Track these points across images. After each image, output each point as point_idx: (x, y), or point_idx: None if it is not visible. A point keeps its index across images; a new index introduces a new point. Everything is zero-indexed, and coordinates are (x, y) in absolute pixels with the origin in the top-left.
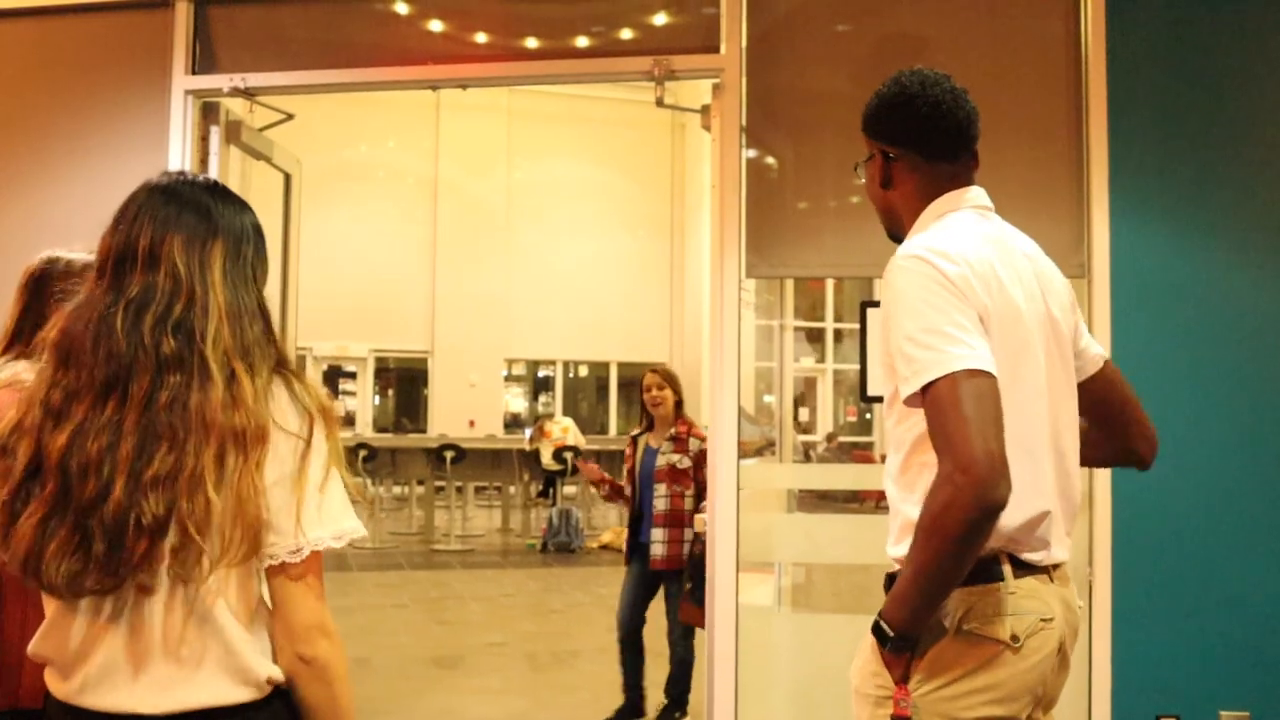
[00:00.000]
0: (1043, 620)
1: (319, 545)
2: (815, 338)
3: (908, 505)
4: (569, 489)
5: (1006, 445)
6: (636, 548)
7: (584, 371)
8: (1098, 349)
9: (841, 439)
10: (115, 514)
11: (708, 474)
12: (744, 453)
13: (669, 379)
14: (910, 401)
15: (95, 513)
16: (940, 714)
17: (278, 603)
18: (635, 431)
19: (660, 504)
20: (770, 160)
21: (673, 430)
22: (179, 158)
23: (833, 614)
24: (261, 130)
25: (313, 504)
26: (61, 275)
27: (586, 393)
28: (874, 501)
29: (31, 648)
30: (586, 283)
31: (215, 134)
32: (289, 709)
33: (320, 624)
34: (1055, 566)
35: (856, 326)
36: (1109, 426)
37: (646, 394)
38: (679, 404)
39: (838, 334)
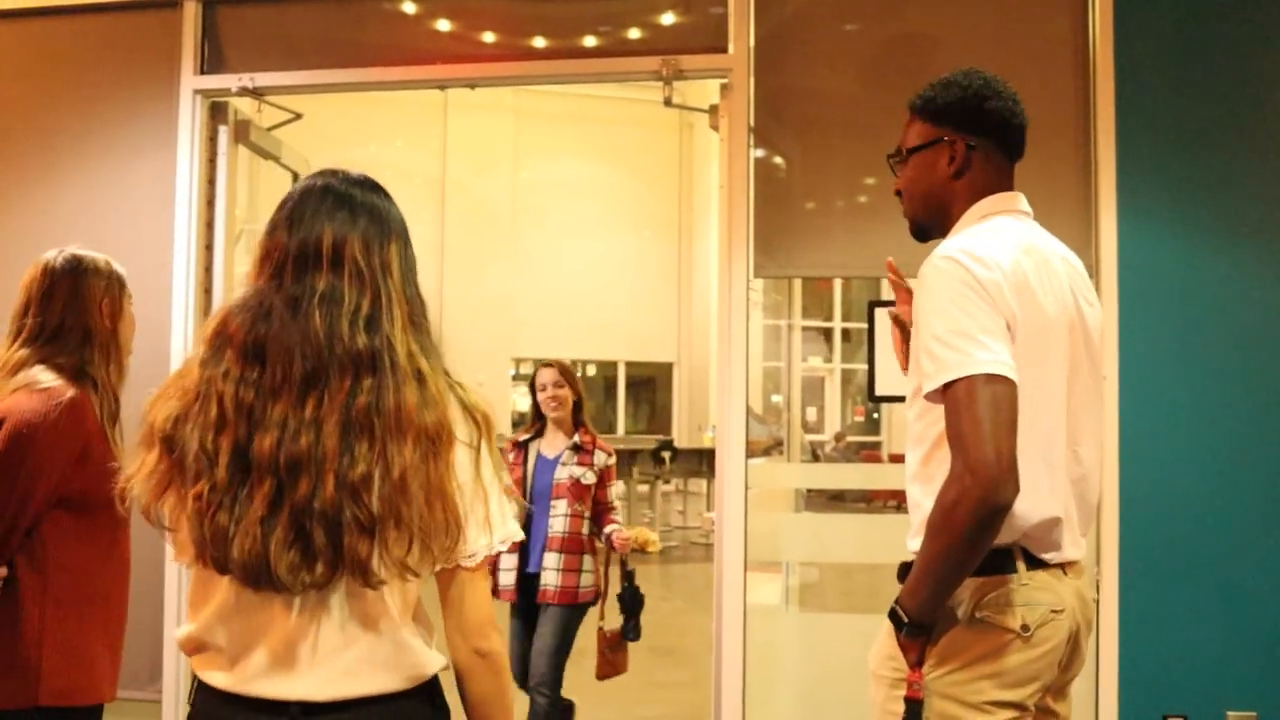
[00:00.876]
0: (1054, 611)
1: (491, 550)
2: (823, 337)
3: (927, 499)
4: None
5: (1023, 450)
6: (524, 581)
7: (591, 371)
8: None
9: (850, 438)
10: (327, 513)
11: (717, 473)
12: (752, 452)
13: (568, 376)
14: (931, 398)
15: (309, 512)
16: (951, 697)
17: (455, 600)
18: (521, 436)
19: (558, 524)
20: (778, 160)
21: (575, 439)
22: (187, 157)
23: (841, 614)
24: (270, 130)
25: (491, 509)
26: (96, 272)
27: (594, 392)
28: (882, 501)
29: (195, 635)
30: (594, 282)
31: (224, 133)
32: (430, 701)
33: (492, 619)
34: (1070, 563)
35: (865, 326)
36: None
37: (541, 392)
38: (578, 406)
39: (845, 333)
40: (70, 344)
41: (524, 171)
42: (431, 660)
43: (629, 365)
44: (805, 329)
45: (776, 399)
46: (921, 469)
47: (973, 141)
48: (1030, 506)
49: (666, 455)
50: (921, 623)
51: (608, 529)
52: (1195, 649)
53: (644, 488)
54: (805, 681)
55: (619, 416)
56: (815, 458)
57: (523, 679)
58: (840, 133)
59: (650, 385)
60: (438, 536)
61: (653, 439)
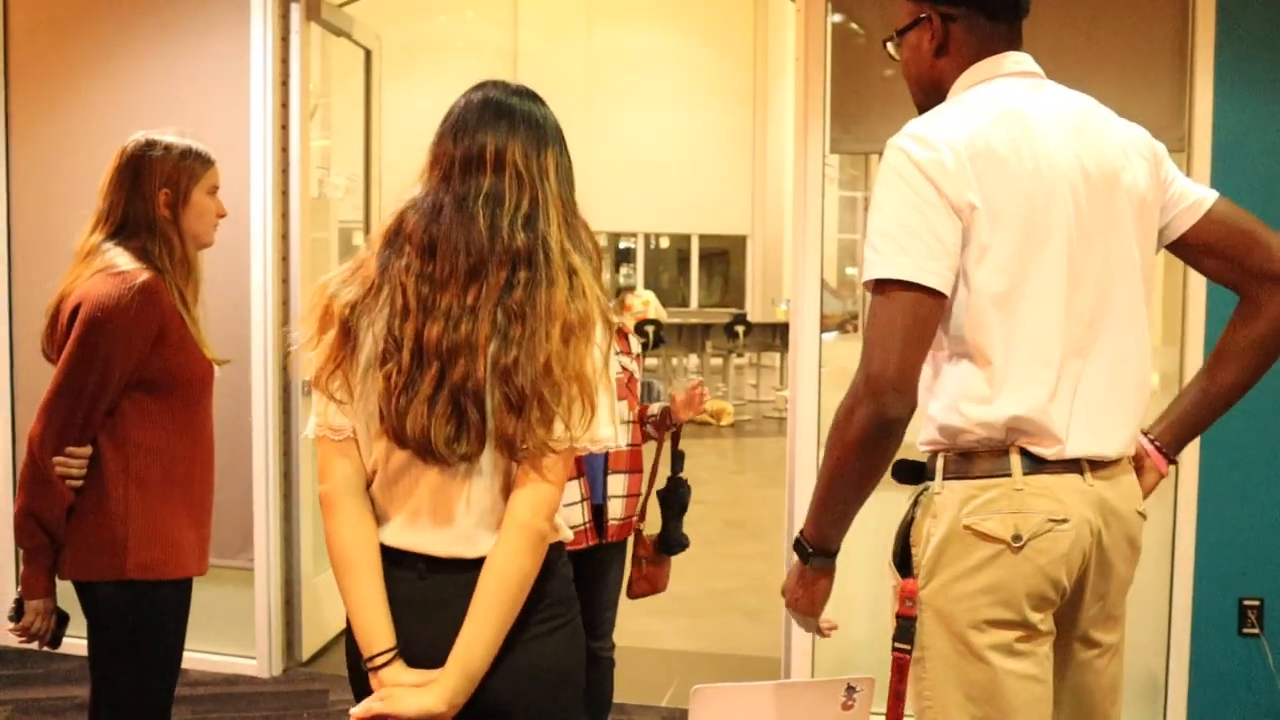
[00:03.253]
0: (1052, 520)
1: (614, 444)
2: None
3: (927, 397)
4: (651, 361)
5: (1010, 340)
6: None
7: (665, 243)
8: (1198, 194)
9: None
10: (478, 391)
11: (790, 350)
12: (826, 326)
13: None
14: (866, 290)
15: (464, 391)
16: (942, 614)
17: (535, 479)
18: None
19: (621, 431)
20: (856, 27)
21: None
22: (260, 36)
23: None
24: (340, 6)
25: (610, 406)
26: (161, 159)
27: (668, 265)
28: None
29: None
30: (668, 153)
31: (295, 11)
32: (549, 570)
33: (554, 508)
34: (1095, 464)
35: None
36: (1238, 269)
37: None
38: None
39: None
40: (136, 231)
41: (597, 41)
42: (556, 530)
43: (702, 238)
44: None
45: (851, 272)
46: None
47: (949, 11)
48: (1014, 401)
49: (740, 329)
50: (825, 550)
51: (652, 408)
52: (1273, 533)
53: (717, 361)
54: (874, 559)
55: (692, 290)
56: None
57: None
58: None
59: (724, 258)
60: (575, 417)
61: (726, 312)
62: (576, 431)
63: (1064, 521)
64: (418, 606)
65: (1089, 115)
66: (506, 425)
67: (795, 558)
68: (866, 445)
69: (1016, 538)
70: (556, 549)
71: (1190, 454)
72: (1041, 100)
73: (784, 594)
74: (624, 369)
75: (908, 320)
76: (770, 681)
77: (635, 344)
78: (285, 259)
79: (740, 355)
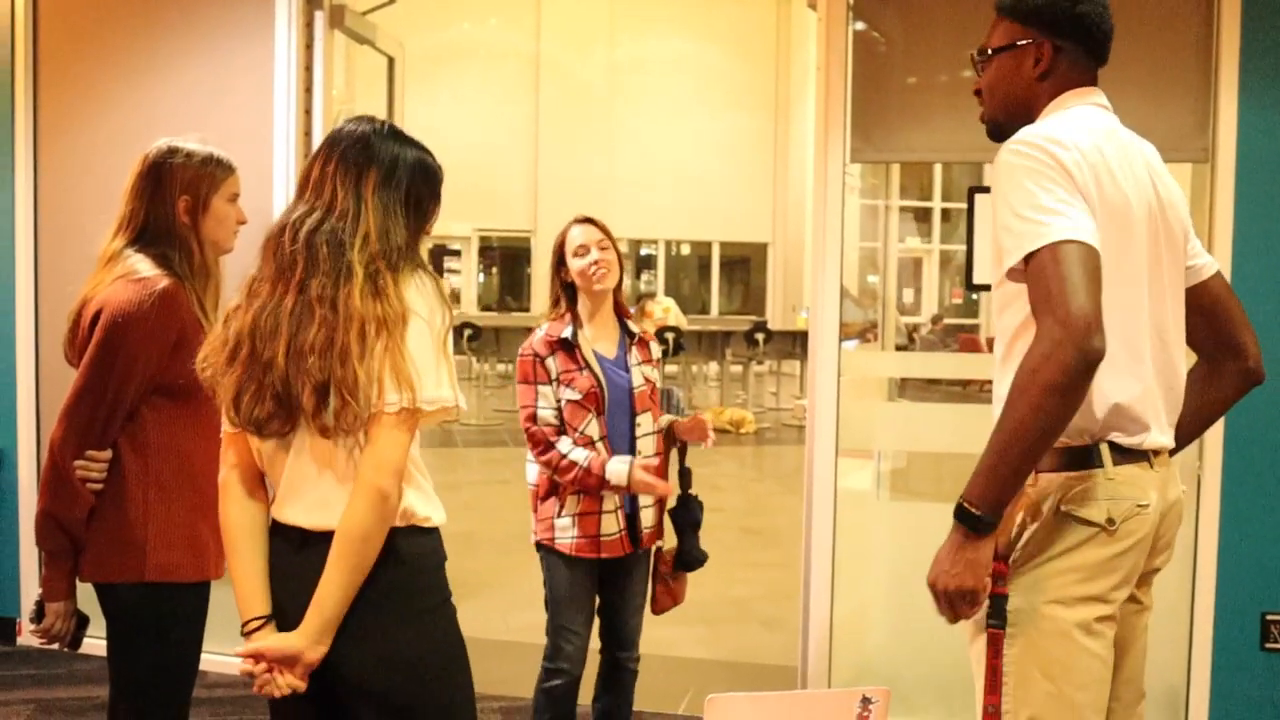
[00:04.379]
0: (1139, 506)
1: (410, 405)
2: (922, 217)
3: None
4: (670, 368)
5: (1109, 328)
6: (631, 524)
7: (686, 250)
8: (1206, 259)
9: (946, 321)
10: (282, 376)
11: (810, 359)
12: (846, 334)
13: (609, 233)
14: (1013, 275)
15: (270, 374)
16: (1033, 591)
17: (372, 441)
18: (559, 332)
19: (649, 445)
20: (878, 37)
21: (631, 327)
22: (284, 44)
23: (933, 502)
24: (364, 14)
25: (418, 371)
26: (182, 166)
27: (688, 272)
28: (977, 387)
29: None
30: (689, 161)
31: (319, 19)
32: (390, 552)
33: (400, 470)
34: (1156, 453)
35: (965, 207)
36: (1213, 338)
37: (579, 257)
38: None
39: (945, 213)
40: (157, 237)
41: (619, 49)
42: (400, 512)
43: (723, 245)
44: (903, 209)
45: (872, 280)
46: (1006, 357)
47: (1059, 44)
48: (1115, 390)
49: (760, 336)
50: (991, 519)
51: (663, 418)
52: None
53: (737, 369)
54: (894, 568)
55: (713, 297)
56: (911, 341)
57: (580, 664)
58: (945, 8)
59: (744, 265)
60: (365, 393)
61: (746, 320)
62: (361, 403)
63: (1146, 506)
64: (295, 576)
65: (1153, 153)
66: (306, 402)
67: (953, 531)
68: (1068, 386)
69: (1110, 522)
70: (417, 536)
71: (1213, 468)
72: (1125, 129)
73: (936, 580)
74: (646, 380)
75: (1088, 268)
76: (785, 691)
77: (655, 350)
78: None
79: (760, 363)
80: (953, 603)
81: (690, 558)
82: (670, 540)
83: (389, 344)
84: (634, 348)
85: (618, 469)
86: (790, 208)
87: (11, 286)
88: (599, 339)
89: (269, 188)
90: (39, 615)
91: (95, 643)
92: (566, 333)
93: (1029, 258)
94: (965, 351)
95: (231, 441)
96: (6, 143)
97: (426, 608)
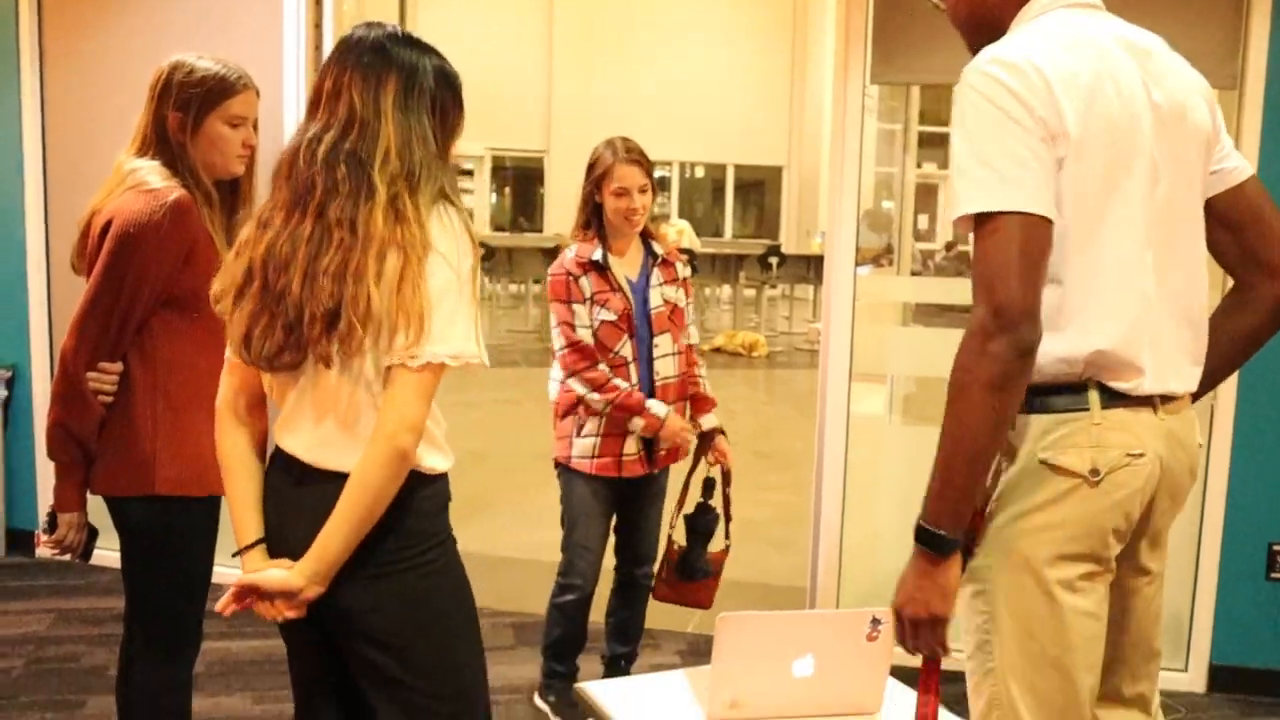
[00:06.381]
0: (1129, 455)
1: (435, 359)
2: (939, 143)
3: None
4: None
5: (1093, 270)
6: (648, 446)
7: (700, 173)
8: (1238, 162)
9: (960, 247)
10: (295, 304)
11: (824, 283)
12: (861, 259)
13: (651, 172)
14: (958, 226)
15: (282, 303)
16: (1008, 548)
17: (391, 395)
18: (590, 252)
19: (666, 367)
20: None
21: (654, 248)
22: None
23: None
24: None
25: (443, 321)
26: (182, 83)
27: (702, 195)
28: None
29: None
30: (705, 82)
31: None
32: (403, 492)
33: (419, 428)
34: (1165, 399)
35: None
36: (1245, 255)
37: (619, 198)
38: None
39: None
40: (161, 151)
41: None
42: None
43: (738, 168)
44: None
45: (888, 205)
46: None
47: None
48: (1098, 329)
49: (774, 260)
50: (955, 537)
51: (705, 420)
52: None
53: (750, 292)
54: (905, 492)
55: (726, 220)
56: (925, 267)
57: (593, 580)
58: None
59: (759, 189)
60: (389, 333)
61: (760, 244)
62: (383, 346)
63: (1140, 456)
64: (292, 506)
65: (1156, 49)
66: (317, 335)
67: (916, 556)
68: (1005, 380)
69: (1094, 472)
70: (421, 482)
71: (1226, 400)
72: (1109, 30)
73: (900, 610)
74: (666, 301)
75: (1025, 248)
76: (795, 611)
77: (682, 270)
78: None
79: (773, 287)
80: (919, 631)
81: (692, 567)
82: (682, 531)
83: (407, 273)
84: (656, 268)
85: (658, 407)
86: (806, 131)
87: (20, 198)
88: (626, 263)
89: (279, 103)
90: (52, 526)
91: (112, 554)
92: (597, 255)
93: (976, 223)
94: None
95: (234, 368)
96: (10, 50)
97: (427, 548)
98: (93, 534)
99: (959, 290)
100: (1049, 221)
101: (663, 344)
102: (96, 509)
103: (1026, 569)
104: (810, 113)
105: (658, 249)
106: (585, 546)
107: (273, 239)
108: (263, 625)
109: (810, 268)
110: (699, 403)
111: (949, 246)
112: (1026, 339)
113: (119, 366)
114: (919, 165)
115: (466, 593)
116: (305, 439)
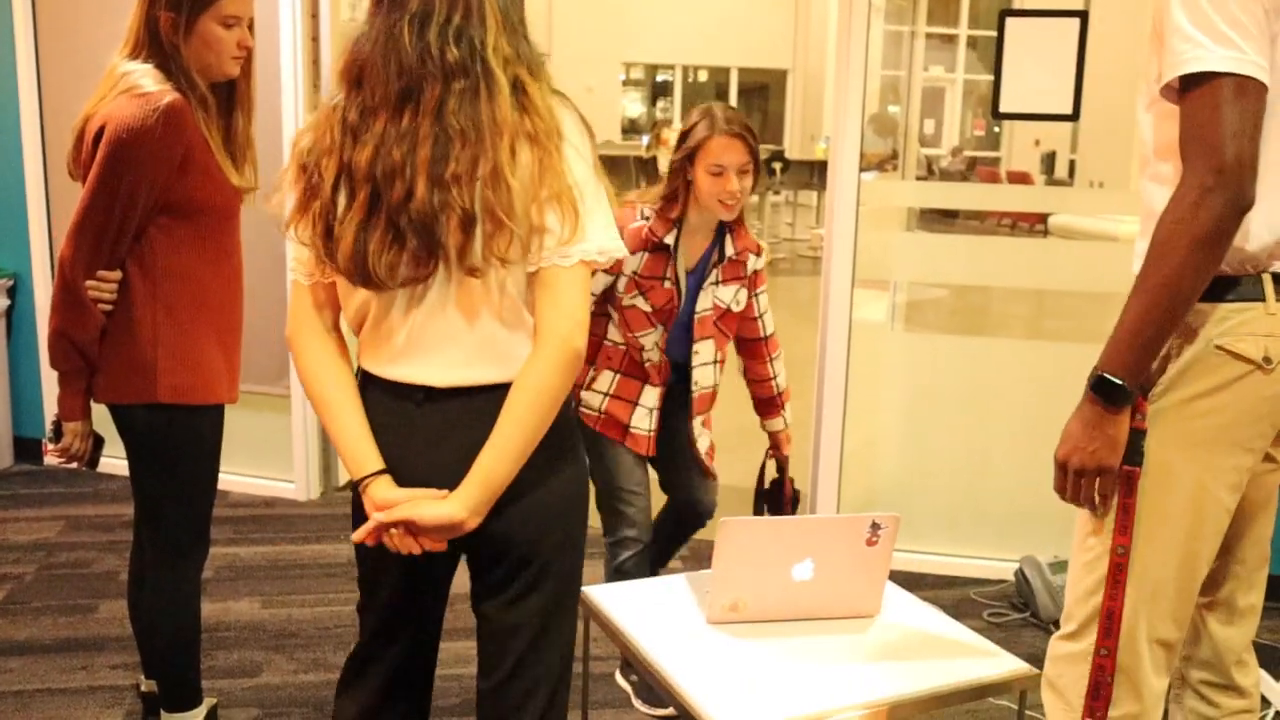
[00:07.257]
0: None
1: (586, 256)
2: (946, 45)
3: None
4: None
5: (1270, 154)
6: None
7: (703, 77)
8: None
9: (967, 153)
10: (421, 211)
11: (828, 188)
12: (866, 165)
13: (756, 148)
14: (1166, 95)
15: (404, 212)
16: (1175, 423)
17: (551, 295)
18: (662, 231)
19: (705, 376)
20: None
21: (729, 246)
22: None
23: (947, 334)
24: None
25: (585, 215)
26: None
27: (705, 98)
28: (995, 220)
29: (357, 329)
30: None
31: None
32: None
33: (586, 324)
34: None
35: (994, 34)
36: None
37: (713, 176)
38: None
39: (972, 41)
40: (154, 53)
41: None
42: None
43: (741, 71)
44: (929, 36)
45: (894, 110)
46: (1158, 166)
47: None
48: (1277, 218)
49: (777, 166)
50: (1132, 388)
51: (770, 424)
52: None
53: (753, 198)
54: (906, 399)
55: None
56: (930, 172)
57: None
58: None
59: (763, 92)
60: (533, 232)
61: (764, 149)
62: (534, 247)
63: None
64: (419, 433)
65: None
66: (453, 242)
67: (1087, 404)
68: (1219, 237)
69: (1267, 359)
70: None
71: None
72: None
73: (1065, 459)
74: (716, 304)
75: (1245, 110)
76: (795, 516)
77: (756, 261)
78: (316, 86)
79: (777, 193)
80: (1082, 482)
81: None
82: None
83: (547, 165)
84: (716, 268)
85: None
86: (811, 34)
87: (15, 104)
88: (687, 250)
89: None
90: (57, 435)
91: (120, 462)
92: (670, 238)
93: (1185, 86)
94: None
95: (307, 293)
96: None
97: (567, 449)
98: (99, 442)
99: (964, 195)
100: (1265, 88)
101: (704, 351)
102: (102, 417)
103: (1185, 450)
104: (816, 14)
105: (730, 249)
106: (630, 490)
107: (377, 145)
108: (269, 531)
109: (814, 173)
110: (764, 408)
111: (954, 152)
112: (1247, 197)
113: (117, 274)
114: (926, 69)
115: (588, 500)
116: (439, 361)
